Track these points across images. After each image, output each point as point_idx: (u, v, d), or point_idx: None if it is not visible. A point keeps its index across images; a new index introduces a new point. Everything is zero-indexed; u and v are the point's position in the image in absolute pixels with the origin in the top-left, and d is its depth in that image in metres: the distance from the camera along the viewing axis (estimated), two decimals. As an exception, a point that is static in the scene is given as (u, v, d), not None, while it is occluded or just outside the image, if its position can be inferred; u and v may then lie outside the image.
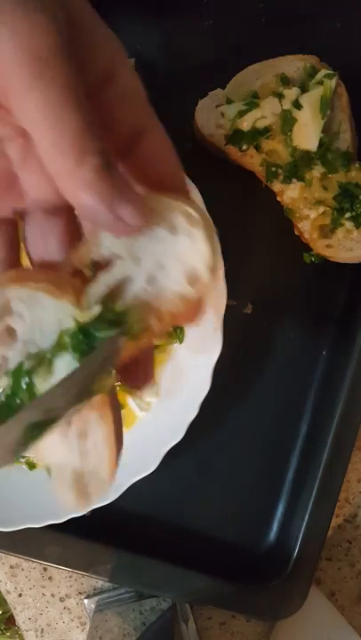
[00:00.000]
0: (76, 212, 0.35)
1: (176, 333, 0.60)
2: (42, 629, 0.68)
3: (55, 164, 0.29)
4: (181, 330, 0.60)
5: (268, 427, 0.65)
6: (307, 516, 0.61)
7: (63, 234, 0.35)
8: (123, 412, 0.60)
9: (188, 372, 0.59)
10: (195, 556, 0.63)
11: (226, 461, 0.64)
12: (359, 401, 0.61)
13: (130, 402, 0.61)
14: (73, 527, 0.59)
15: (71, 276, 0.33)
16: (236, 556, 0.64)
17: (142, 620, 0.66)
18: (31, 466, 0.61)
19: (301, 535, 0.61)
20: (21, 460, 0.61)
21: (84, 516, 0.58)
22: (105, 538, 0.61)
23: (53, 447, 0.35)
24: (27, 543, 0.60)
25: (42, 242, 0.35)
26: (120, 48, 0.33)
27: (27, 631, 0.68)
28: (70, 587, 0.68)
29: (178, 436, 0.58)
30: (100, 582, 0.67)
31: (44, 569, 0.67)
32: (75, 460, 0.34)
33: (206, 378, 0.58)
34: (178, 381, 0.60)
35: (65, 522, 0.58)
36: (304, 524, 0.61)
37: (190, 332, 0.60)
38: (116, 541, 0.62)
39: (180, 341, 0.60)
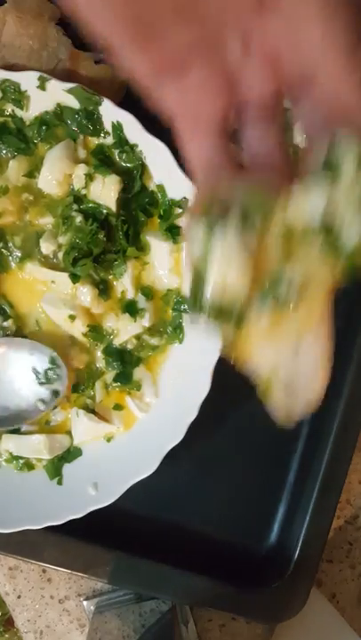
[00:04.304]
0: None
1: (176, 333, 0.60)
2: (41, 631, 0.67)
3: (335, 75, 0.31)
4: (181, 330, 0.60)
5: (269, 427, 0.64)
6: (308, 518, 0.61)
7: (278, 136, 0.36)
8: (122, 412, 0.60)
9: (187, 372, 0.59)
10: (194, 558, 0.62)
11: (226, 462, 0.64)
12: (360, 401, 0.61)
13: (129, 402, 0.60)
14: (72, 529, 0.58)
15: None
16: (236, 557, 0.64)
17: (142, 621, 0.66)
18: (30, 467, 0.61)
19: (302, 537, 0.61)
20: (20, 461, 0.61)
21: (83, 517, 0.58)
22: (104, 539, 0.61)
23: (265, 358, 0.36)
24: (26, 545, 0.60)
25: (257, 143, 0.35)
26: None
27: (26, 633, 0.68)
28: (69, 588, 0.67)
29: (178, 436, 0.57)
30: (99, 584, 0.67)
31: (43, 570, 0.67)
32: (287, 370, 0.35)
33: (206, 378, 0.57)
34: (178, 382, 0.60)
35: (64, 523, 0.58)
36: (305, 525, 0.61)
37: (190, 331, 0.59)
38: (116, 543, 0.61)
39: (180, 341, 0.60)
